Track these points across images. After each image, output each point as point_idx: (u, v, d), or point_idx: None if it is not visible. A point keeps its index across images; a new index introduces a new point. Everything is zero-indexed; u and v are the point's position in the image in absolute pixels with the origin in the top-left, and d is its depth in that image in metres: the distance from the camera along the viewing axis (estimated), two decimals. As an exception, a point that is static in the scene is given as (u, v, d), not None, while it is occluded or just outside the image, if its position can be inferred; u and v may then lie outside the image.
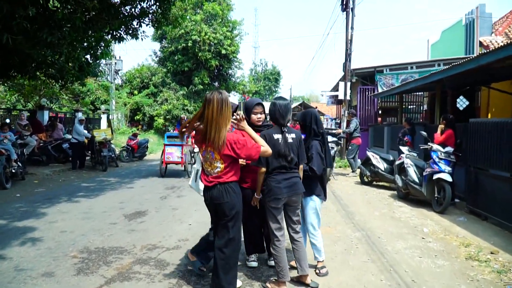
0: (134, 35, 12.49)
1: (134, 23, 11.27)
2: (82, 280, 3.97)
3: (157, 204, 7.76)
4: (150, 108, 28.42)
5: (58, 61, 11.23)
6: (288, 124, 3.97)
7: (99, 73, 26.55)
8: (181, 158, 11.34)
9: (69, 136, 13.49)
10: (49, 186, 9.67)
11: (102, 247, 5.01)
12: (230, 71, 31.88)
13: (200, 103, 31.32)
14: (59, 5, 9.33)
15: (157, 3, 11.24)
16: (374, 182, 10.49)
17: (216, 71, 30.64)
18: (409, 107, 17.51)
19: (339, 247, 5.24)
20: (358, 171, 11.24)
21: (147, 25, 11.99)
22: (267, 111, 4.14)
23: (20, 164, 9.87)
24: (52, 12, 8.81)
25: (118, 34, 11.67)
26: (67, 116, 18.27)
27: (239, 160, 3.48)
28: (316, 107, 40.23)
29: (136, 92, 29.70)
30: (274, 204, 3.77)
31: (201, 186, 3.67)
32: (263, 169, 3.74)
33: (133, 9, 11.02)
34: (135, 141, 16.23)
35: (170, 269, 4.32)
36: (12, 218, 6.39)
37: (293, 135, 3.87)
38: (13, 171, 9.18)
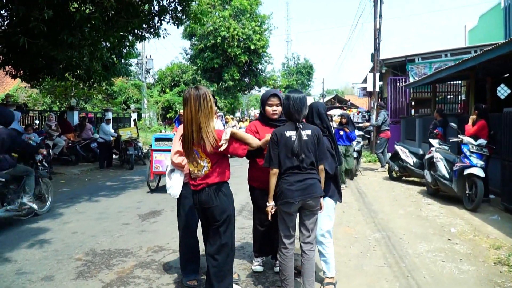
0: (156, 34, 12.48)
1: (155, 21, 11.24)
2: (80, 284, 3.87)
3: (174, 203, 7.54)
4: (181, 105, 28.66)
5: (83, 62, 11.40)
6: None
7: (130, 73, 27.17)
8: None
9: (97, 136, 13.69)
10: (74, 185, 9.79)
11: (109, 249, 4.92)
12: (260, 66, 31.73)
13: (231, 99, 31.36)
14: (77, 6, 9.41)
15: (176, 0, 11.17)
16: (403, 178, 9.97)
17: (245, 66, 30.51)
18: (448, 97, 16.63)
19: (355, 250, 4.90)
20: (387, 166, 10.73)
21: (167, 22, 11.93)
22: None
23: (46, 165, 10.04)
24: (71, 14, 8.84)
25: (140, 33, 11.69)
26: (97, 116, 18.61)
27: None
28: (349, 100, 39.46)
29: (167, 90, 30.06)
30: (286, 209, 3.36)
31: (171, 183, 3.58)
32: (275, 170, 3.35)
33: (152, 7, 10.99)
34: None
35: (171, 273, 4.15)
36: (29, 218, 6.44)
37: (309, 132, 3.39)
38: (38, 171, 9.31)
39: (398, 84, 15.57)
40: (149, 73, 29.80)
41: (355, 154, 10.03)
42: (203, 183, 3.10)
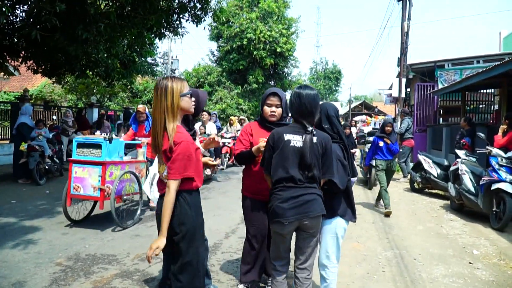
0: (175, 32, 12.26)
1: (174, 18, 11.00)
2: (50, 293, 3.55)
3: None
4: (205, 106, 28.57)
5: (101, 59, 11.25)
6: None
7: (156, 73, 27.25)
8: (103, 189, 5.43)
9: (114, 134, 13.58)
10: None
11: (94, 254, 4.60)
12: (285, 70, 31.23)
13: (255, 102, 31.03)
14: (93, 1, 9.25)
15: (196, -4, 10.91)
16: (426, 190, 9.33)
17: (271, 69, 30.10)
18: (479, 106, 15.72)
19: (361, 270, 4.40)
20: (409, 176, 10.10)
21: (186, 20, 11.69)
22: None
23: (57, 161, 9.95)
24: (87, 9, 8.67)
25: (158, 31, 11.49)
26: (118, 114, 18.61)
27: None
28: (376, 107, 38.52)
29: (192, 91, 30.02)
30: (277, 229, 2.87)
31: (156, 193, 2.95)
32: (268, 178, 2.95)
33: (170, 4, 10.74)
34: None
35: (152, 285, 3.78)
36: (26, 216, 6.24)
37: (315, 139, 2.85)
38: (46, 167, 9.21)
39: (426, 90, 14.79)
40: (175, 73, 29.86)
41: (373, 163, 9.43)
42: (165, 188, 2.57)
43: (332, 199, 3.14)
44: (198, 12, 11.27)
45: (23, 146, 8.83)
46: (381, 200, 7.27)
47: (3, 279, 3.82)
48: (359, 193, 9.18)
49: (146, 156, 6.65)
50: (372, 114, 30.64)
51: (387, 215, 6.82)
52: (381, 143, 7.15)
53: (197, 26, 11.59)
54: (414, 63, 14.73)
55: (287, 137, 2.82)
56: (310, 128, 2.82)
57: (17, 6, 8.96)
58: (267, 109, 3.41)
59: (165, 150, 2.53)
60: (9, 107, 13.15)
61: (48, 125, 12.31)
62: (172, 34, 12.49)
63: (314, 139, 2.81)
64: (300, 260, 2.95)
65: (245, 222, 3.67)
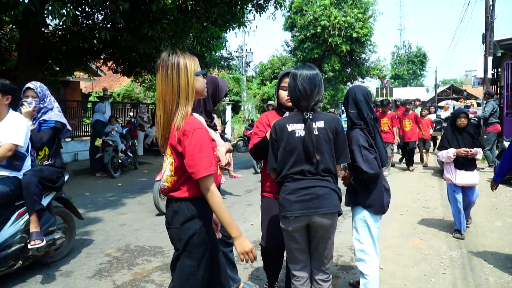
0: (240, 23, 12.24)
1: (236, 10, 10.96)
2: (90, 284, 3.66)
3: (236, 199, 7.29)
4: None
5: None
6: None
7: (232, 66, 27.70)
8: None
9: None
10: (154, 175, 10.00)
11: (143, 245, 4.69)
12: (363, 56, 29.93)
13: (331, 91, 30.26)
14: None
15: (257, -14, 10.78)
16: (513, 181, 8.25)
17: (347, 56, 29.03)
18: None
19: (417, 271, 3.94)
20: (494, 165, 9.04)
21: (249, 11, 11.63)
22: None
23: (131, 155, 10.48)
24: (149, 6, 8.93)
25: (223, 23, 11.58)
26: (193, 108, 19.18)
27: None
28: (466, 90, 35.38)
29: (267, 83, 30.06)
30: (284, 225, 2.52)
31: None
32: (274, 177, 2.63)
33: (230, -5, 10.70)
34: (251, 131, 16.20)
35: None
36: (93, 207, 6.61)
37: (321, 123, 2.49)
38: (120, 161, 9.73)
39: (518, 69, 13.11)
40: (249, 66, 30.11)
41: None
42: (169, 193, 2.17)
43: (358, 189, 2.99)
44: (260, 1, 11.14)
45: (98, 142, 9.42)
46: None
47: (54, 268, 4.02)
48: (433, 184, 8.42)
49: None
50: (461, 99, 28.17)
51: None
52: None
53: (260, 15, 11.45)
54: (503, 39, 13.11)
55: (290, 127, 2.49)
56: (308, 115, 2.47)
57: (80, 8, 9.44)
58: (283, 93, 3.00)
59: (172, 143, 2.10)
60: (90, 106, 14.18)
61: (126, 121, 13.09)
62: (237, 26, 12.51)
63: (320, 124, 2.48)
64: (316, 262, 2.61)
65: (261, 228, 3.14)
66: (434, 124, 11.28)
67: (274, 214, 2.87)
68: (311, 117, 2.48)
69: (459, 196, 4.83)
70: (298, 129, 2.48)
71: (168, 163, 2.16)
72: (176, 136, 2.06)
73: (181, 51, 2.19)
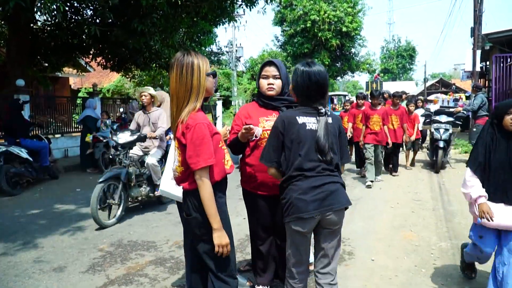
0: (230, 18, 12.21)
1: (226, 4, 10.95)
2: (84, 278, 3.66)
3: (228, 193, 7.28)
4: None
5: (158, 50, 11.50)
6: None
7: (222, 61, 27.62)
8: None
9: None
10: (145, 171, 10.00)
11: (136, 240, 4.69)
12: (353, 50, 30.04)
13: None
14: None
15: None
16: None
17: (337, 51, 29.11)
18: None
19: (408, 262, 4.00)
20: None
21: (239, 5, 11.61)
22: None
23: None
24: (138, 1, 8.87)
25: (213, 18, 11.54)
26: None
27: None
28: (454, 84, 35.73)
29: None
30: (298, 227, 2.38)
31: (177, 189, 2.69)
32: (273, 170, 2.53)
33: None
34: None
35: (182, 274, 3.75)
36: (85, 203, 6.53)
37: (330, 120, 2.47)
38: (111, 157, 9.67)
39: (506, 62, 13.28)
40: (239, 61, 30.10)
41: (441, 144, 8.68)
42: (180, 182, 2.36)
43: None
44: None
45: (89, 138, 9.35)
46: None
47: (47, 263, 4.02)
48: (423, 177, 8.52)
49: None
50: (450, 92, 28.45)
51: None
52: None
53: (250, 10, 11.45)
54: (491, 33, 13.28)
55: (301, 120, 2.41)
56: (323, 109, 2.43)
57: (69, 3, 9.34)
58: (263, 82, 2.92)
59: (177, 136, 2.26)
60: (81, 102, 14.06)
61: (117, 117, 12.99)
62: (227, 21, 12.47)
63: (330, 120, 2.47)
64: (322, 264, 2.49)
65: (248, 221, 3.36)
66: (423, 118, 11.29)
67: (262, 211, 3.08)
68: (327, 112, 2.46)
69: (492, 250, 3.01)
70: (309, 122, 2.42)
71: (176, 154, 2.38)
72: (180, 130, 2.23)
73: (194, 51, 2.33)
